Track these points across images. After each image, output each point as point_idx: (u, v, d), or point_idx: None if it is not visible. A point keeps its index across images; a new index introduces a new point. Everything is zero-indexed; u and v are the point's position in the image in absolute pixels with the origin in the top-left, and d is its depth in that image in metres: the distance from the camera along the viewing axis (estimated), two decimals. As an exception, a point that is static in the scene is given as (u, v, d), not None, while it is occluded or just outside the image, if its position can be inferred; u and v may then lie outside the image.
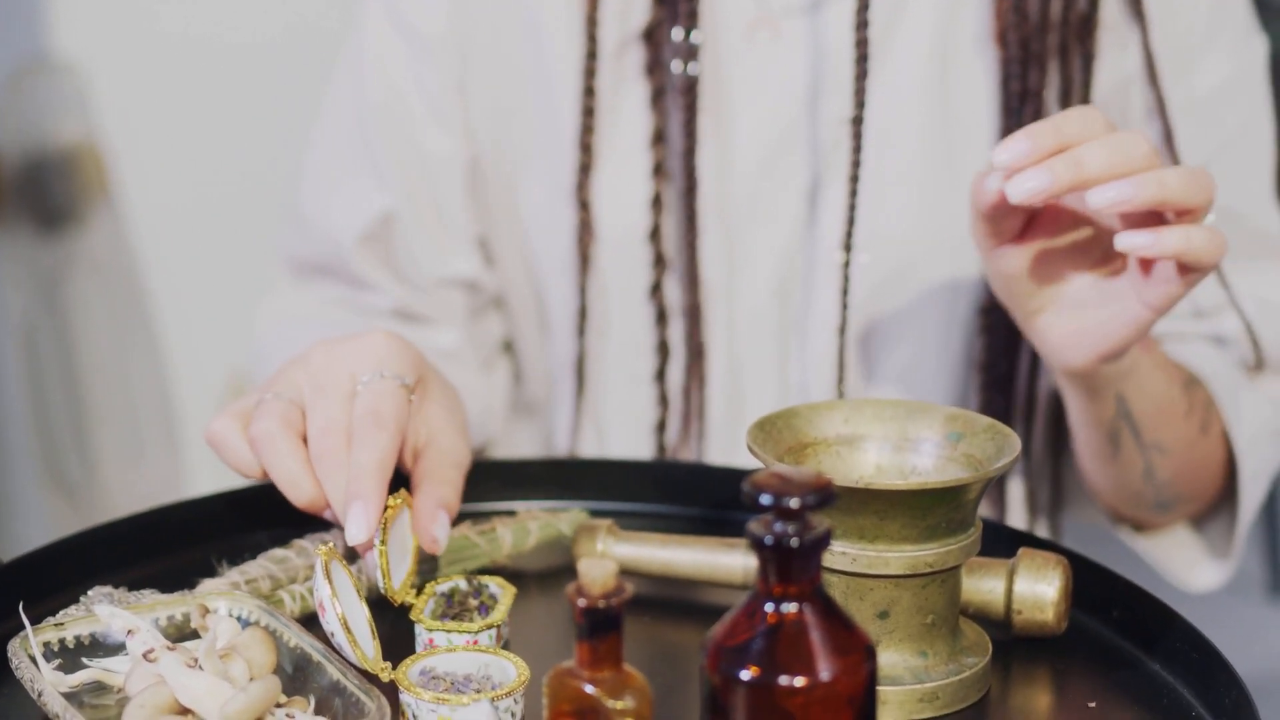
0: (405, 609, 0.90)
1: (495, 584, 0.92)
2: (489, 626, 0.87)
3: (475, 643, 0.87)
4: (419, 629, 0.88)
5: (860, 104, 1.09)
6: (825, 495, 0.70)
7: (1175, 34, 1.13)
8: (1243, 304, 1.15)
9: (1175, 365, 1.09)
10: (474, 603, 0.91)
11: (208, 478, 2.42)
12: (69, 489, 2.28)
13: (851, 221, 1.10)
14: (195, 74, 2.34)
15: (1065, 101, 1.11)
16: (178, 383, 2.39)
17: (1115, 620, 0.92)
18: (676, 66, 1.12)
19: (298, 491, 0.91)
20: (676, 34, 1.11)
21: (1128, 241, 0.88)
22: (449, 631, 0.87)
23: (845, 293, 1.11)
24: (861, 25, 1.09)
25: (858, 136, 1.09)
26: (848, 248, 1.11)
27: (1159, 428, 1.07)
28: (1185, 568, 1.19)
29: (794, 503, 0.70)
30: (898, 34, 1.13)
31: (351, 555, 0.93)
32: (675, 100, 1.13)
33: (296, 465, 0.91)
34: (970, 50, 1.12)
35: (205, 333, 2.37)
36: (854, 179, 1.10)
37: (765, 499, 0.70)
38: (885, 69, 1.12)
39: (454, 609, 0.90)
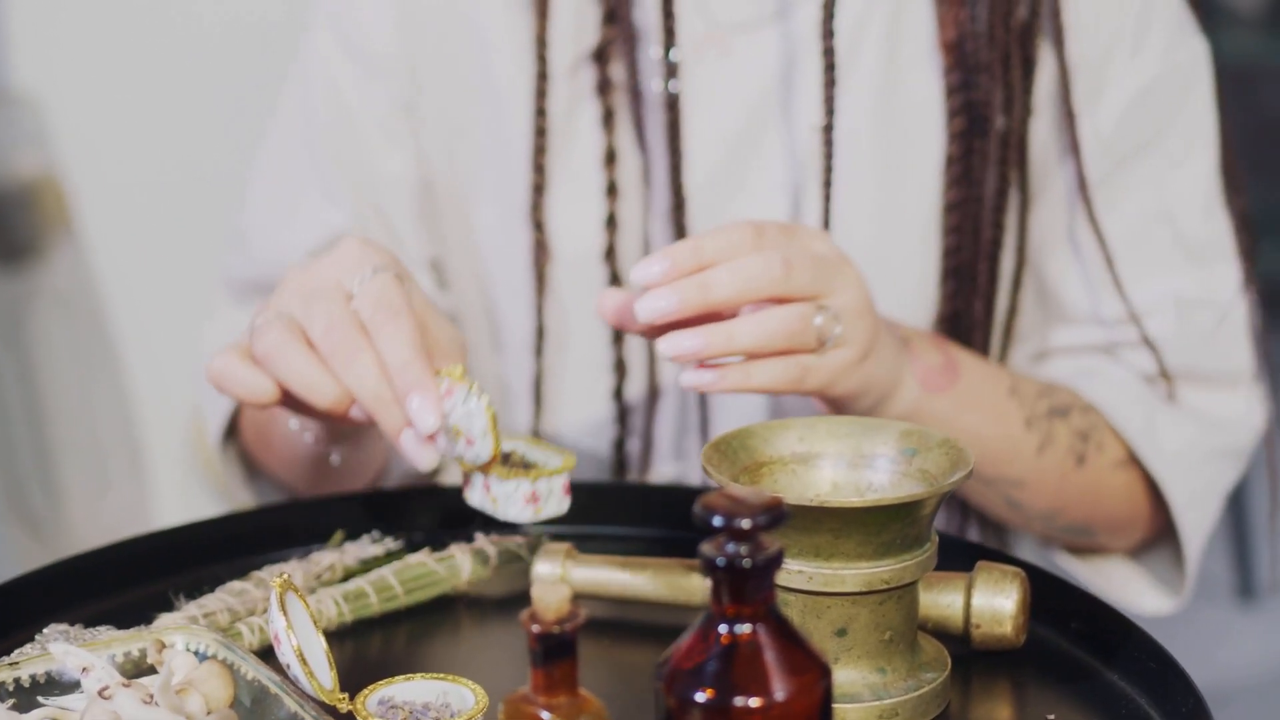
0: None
1: (554, 451, 0.95)
2: (545, 475, 0.90)
3: (534, 495, 0.90)
4: (475, 476, 0.91)
5: (830, 111, 1.09)
6: (776, 515, 0.70)
7: (1101, 40, 1.13)
8: (1162, 309, 1.14)
9: (1014, 401, 1.07)
10: (533, 458, 0.93)
11: (174, 508, 2.41)
12: (34, 522, 2.26)
13: (826, 226, 1.10)
14: (155, 106, 2.34)
15: (1008, 107, 1.12)
16: (142, 414, 2.38)
17: (1074, 632, 0.93)
18: (650, 84, 1.12)
19: (321, 392, 0.90)
20: (653, 52, 1.12)
21: (689, 380, 0.89)
22: (505, 478, 0.90)
23: None
24: (828, 35, 1.09)
25: (828, 144, 1.10)
26: None
27: (996, 465, 1.06)
28: (1128, 593, 1.18)
29: (745, 523, 0.70)
30: (849, 42, 1.13)
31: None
32: (626, 119, 1.13)
33: (313, 367, 0.90)
34: (916, 59, 1.13)
35: (169, 364, 2.37)
36: (827, 184, 1.10)
37: (716, 520, 0.70)
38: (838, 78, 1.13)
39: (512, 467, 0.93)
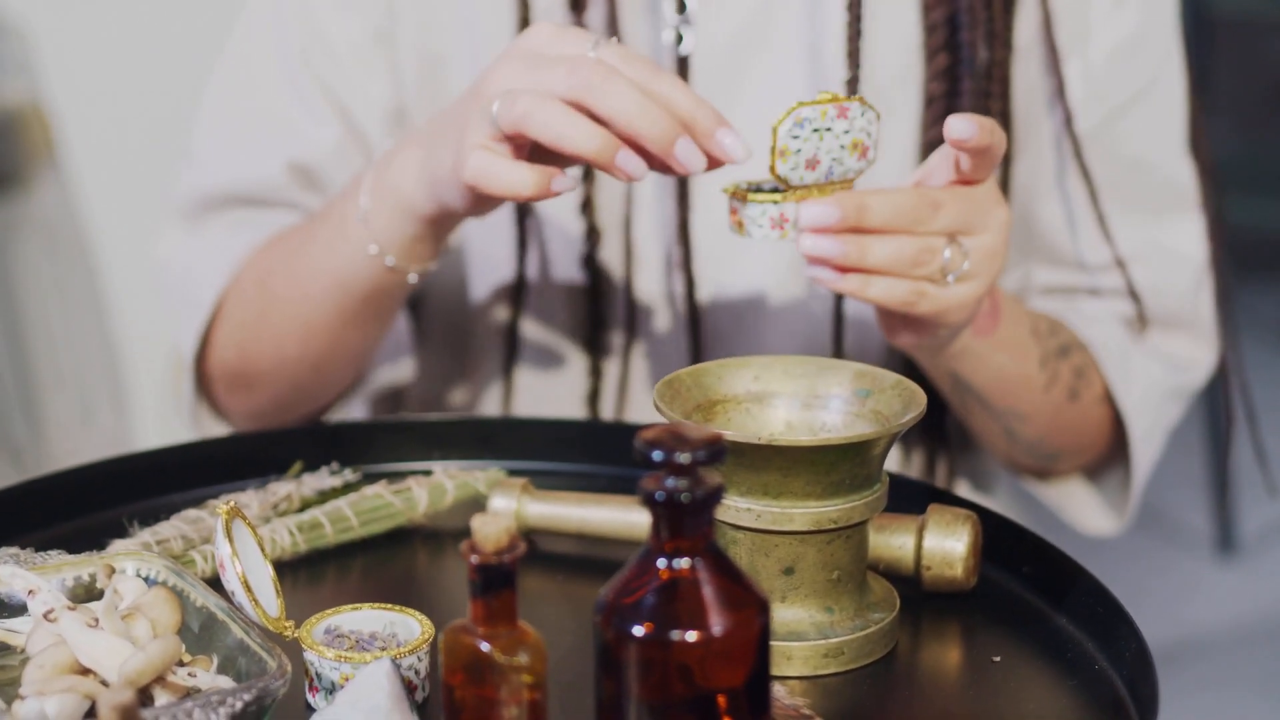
0: None
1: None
2: (793, 198, 0.92)
3: (783, 218, 0.92)
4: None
5: (856, 65, 1.10)
6: (716, 451, 0.70)
7: None
8: (1142, 256, 1.16)
9: (1034, 340, 1.10)
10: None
11: (155, 439, 2.41)
12: (15, 451, 2.27)
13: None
14: (141, 35, 2.33)
15: (990, 44, 1.11)
16: (124, 345, 2.38)
17: (1025, 576, 0.93)
18: (628, 30, 1.11)
19: (588, 138, 0.90)
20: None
21: (814, 271, 0.93)
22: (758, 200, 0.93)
23: None
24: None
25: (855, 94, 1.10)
26: None
27: (1008, 399, 1.10)
28: (1081, 514, 1.22)
29: (684, 458, 0.70)
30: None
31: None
32: None
33: (572, 114, 0.90)
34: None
35: (152, 295, 2.36)
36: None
37: (656, 455, 0.70)
38: (777, 10, 1.12)
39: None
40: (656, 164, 0.93)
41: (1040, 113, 1.15)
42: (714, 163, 0.93)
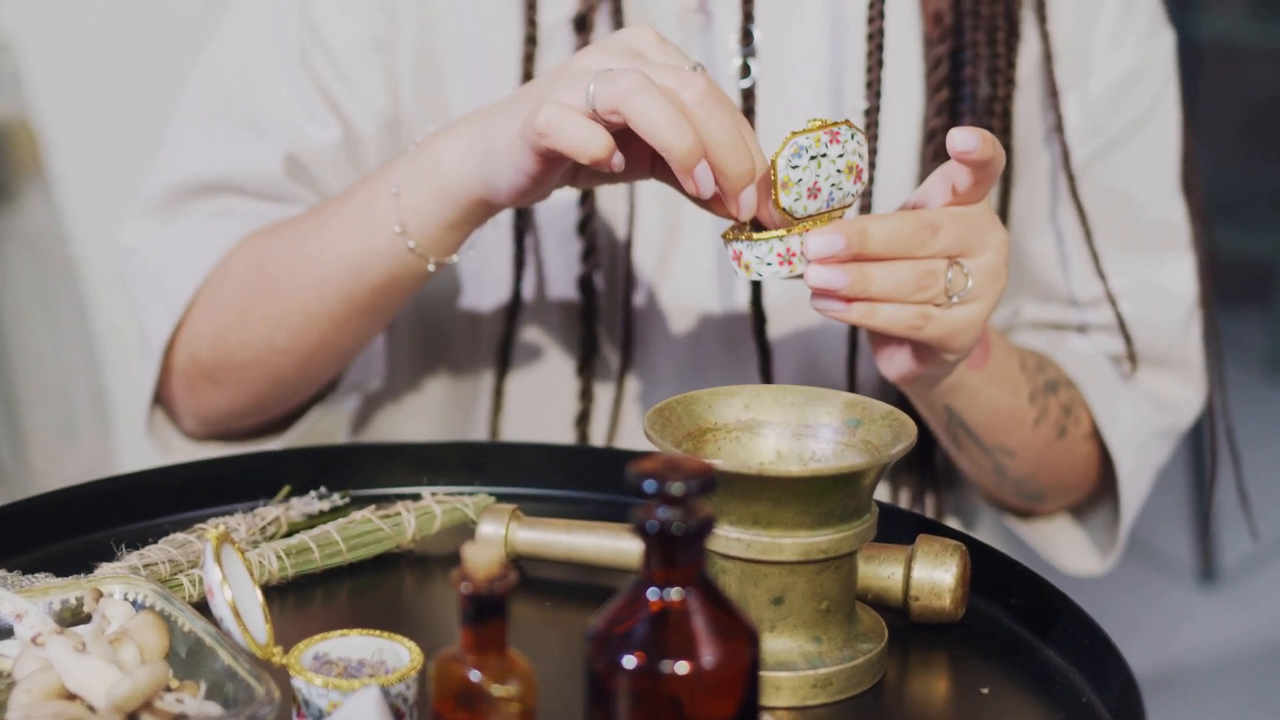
0: None
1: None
2: (798, 231, 0.91)
3: (789, 253, 0.91)
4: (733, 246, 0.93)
5: (877, 94, 1.11)
6: (707, 482, 0.70)
7: (1083, 22, 1.14)
8: (1132, 294, 1.16)
9: (1024, 375, 1.10)
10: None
11: (139, 457, 2.41)
12: (-2, 469, 2.26)
13: (869, 209, 1.12)
14: (130, 51, 2.33)
15: (992, 79, 1.12)
16: (109, 362, 2.37)
17: (1013, 607, 0.93)
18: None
19: (681, 136, 0.89)
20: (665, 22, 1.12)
21: (820, 303, 0.92)
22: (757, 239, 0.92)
23: None
24: (877, 16, 1.09)
25: (873, 126, 1.11)
26: None
27: (999, 434, 1.09)
28: (1066, 554, 1.21)
29: (677, 489, 0.70)
30: (805, 10, 1.13)
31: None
32: None
33: (673, 111, 0.88)
34: (897, 31, 1.13)
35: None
36: (869, 166, 1.11)
37: (648, 485, 0.70)
38: (798, 40, 1.12)
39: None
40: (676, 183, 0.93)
41: (1037, 146, 1.16)
42: (721, 205, 0.93)
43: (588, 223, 1.13)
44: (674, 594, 0.71)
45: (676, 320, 1.16)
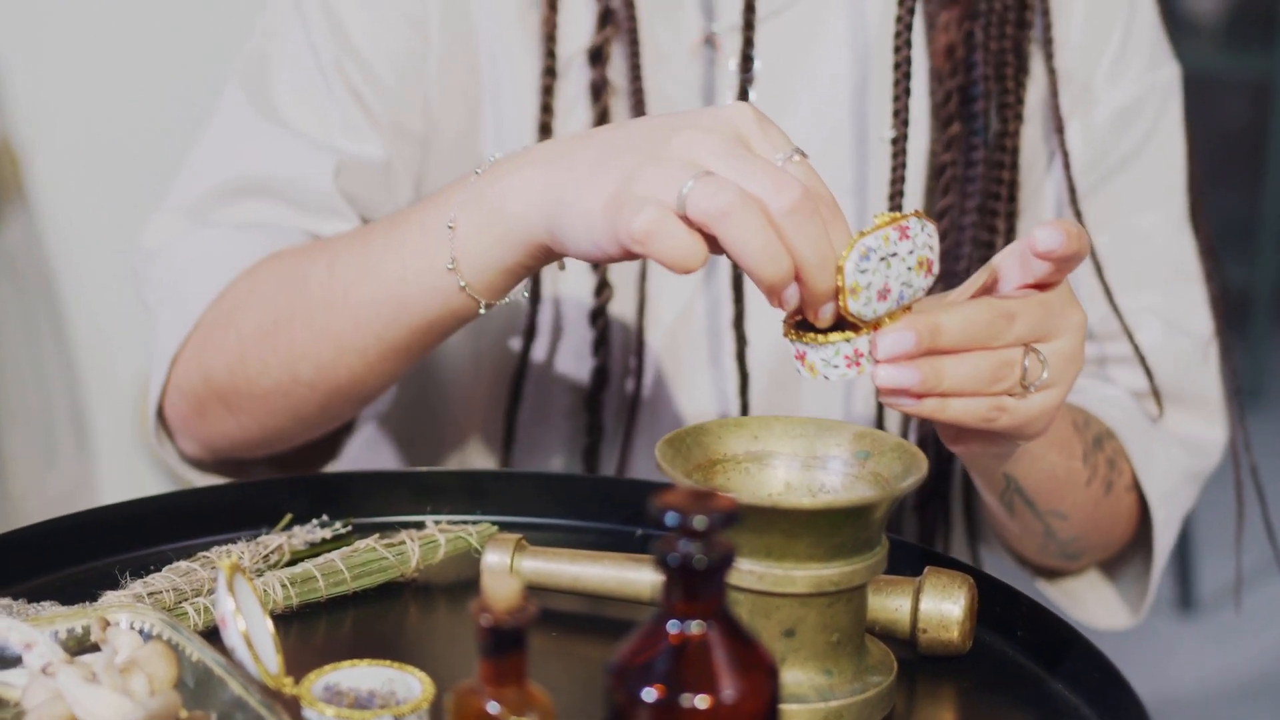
0: None
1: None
2: (867, 331, 0.86)
3: (857, 354, 0.86)
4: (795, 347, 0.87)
5: (905, 122, 1.10)
6: (730, 516, 0.70)
7: (1087, 59, 1.15)
8: (1145, 328, 1.16)
9: (1078, 435, 1.06)
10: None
11: (119, 482, 2.39)
12: (-23, 492, 2.25)
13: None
14: (111, 73, 2.32)
15: (1001, 115, 1.12)
16: (90, 386, 2.36)
17: (1020, 640, 0.93)
18: (651, 86, 1.11)
19: (774, 263, 0.83)
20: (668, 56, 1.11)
21: (889, 400, 0.87)
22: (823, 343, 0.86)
23: None
24: (903, 45, 1.09)
25: (900, 154, 1.10)
26: None
27: (1054, 499, 1.05)
28: (1096, 611, 1.18)
29: (699, 523, 0.70)
30: (821, 44, 1.13)
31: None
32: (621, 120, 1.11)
33: (770, 236, 0.83)
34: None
35: (119, 335, 2.35)
36: (898, 194, 1.11)
37: (671, 518, 0.70)
38: (812, 77, 1.13)
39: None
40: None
41: (1040, 177, 1.16)
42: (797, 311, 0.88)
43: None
44: (694, 627, 0.71)
45: (691, 350, 1.15)
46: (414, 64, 1.12)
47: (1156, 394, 1.16)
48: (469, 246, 0.94)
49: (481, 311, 0.96)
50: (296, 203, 1.11)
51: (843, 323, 0.87)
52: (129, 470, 2.40)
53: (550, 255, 0.93)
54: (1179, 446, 1.16)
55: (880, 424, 1.15)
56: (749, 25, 1.10)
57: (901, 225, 0.85)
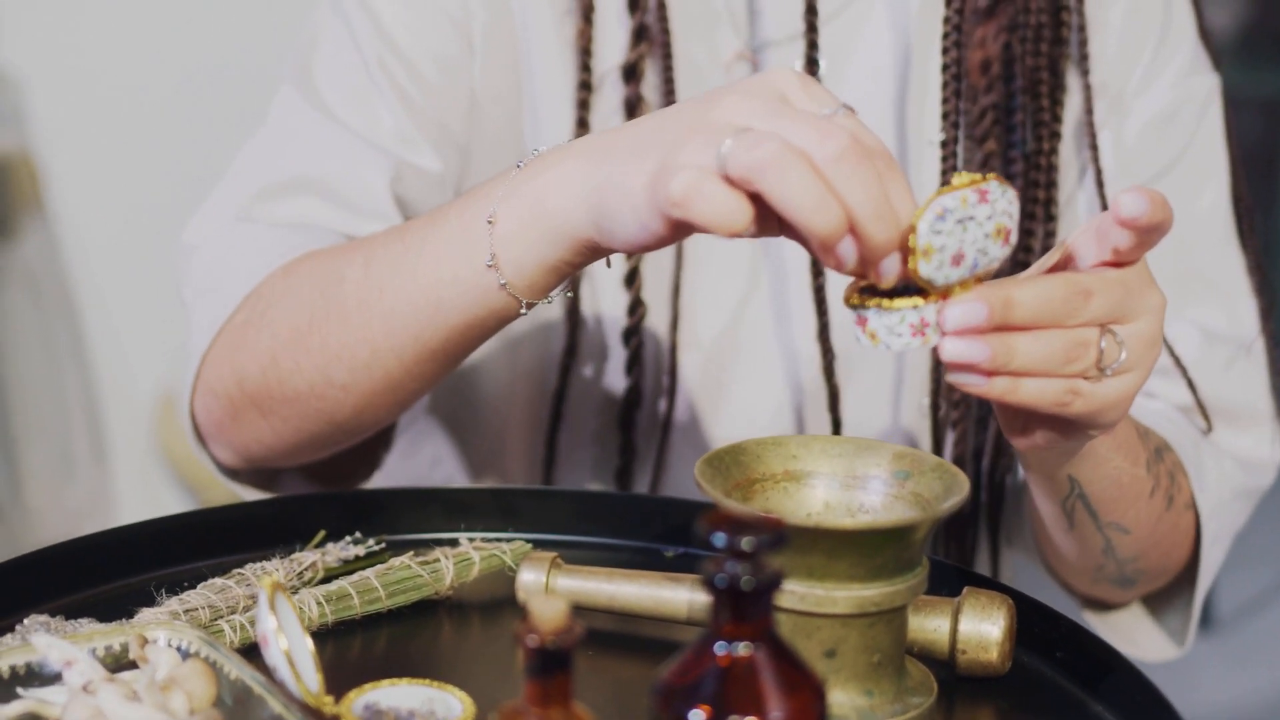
0: None
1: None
2: (934, 300, 0.81)
3: (923, 323, 0.81)
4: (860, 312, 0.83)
5: (955, 125, 1.09)
6: (778, 538, 0.69)
7: (1122, 69, 1.14)
8: (1184, 340, 1.14)
9: (1141, 442, 1.02)
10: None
11: (136, 495, 2.39)
12: (-5, 505, 2.25)
13: None
14: (130, 87, 2.32)
15: (1036, 132, 1.12)
16: (108, 399, 2.36)
17: (1059, 661, 0.93)
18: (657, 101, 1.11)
19: (824, 212, 0.78)
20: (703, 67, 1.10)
21: (959, 379, 0.83)
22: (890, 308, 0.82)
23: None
24: (952, 46, 1.09)
25: (949, 158, 1.10)
26: None
27: (1118, 509, 1.01)
28: (1143, 644, 1.16)
29: (747, 544, 0.69)
30: (855, 56, 1.13)
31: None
32: None
33: (817, 184, 0.78)
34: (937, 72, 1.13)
35: (137, 348, 2.35)
36: None
37: (718, 539, 0.69)
38: (850, 90, 1.13)
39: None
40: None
41: (1071, 188, 1.15)
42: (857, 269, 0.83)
43: (635, 275, 1.12)
44: (742, 648, 0.70)
45: (727, 369, 1.15)
46: (457, 64, 1.11)
47: (1202, 407, 1.14)
48: (509, 243, 0.90)
49: (523, 312, 0.93)
50: (347, 202, 1.09)
51: (909, 291, 0.82)
52: (146, 483, 2.40)
53: (597, 250, 0.89)
54: (1231, 461, 1.13)
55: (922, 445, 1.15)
56: (812, 30, 1.09)
57: (981, 188, 0.81)
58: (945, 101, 1.09)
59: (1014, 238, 0.83)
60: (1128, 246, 0.83)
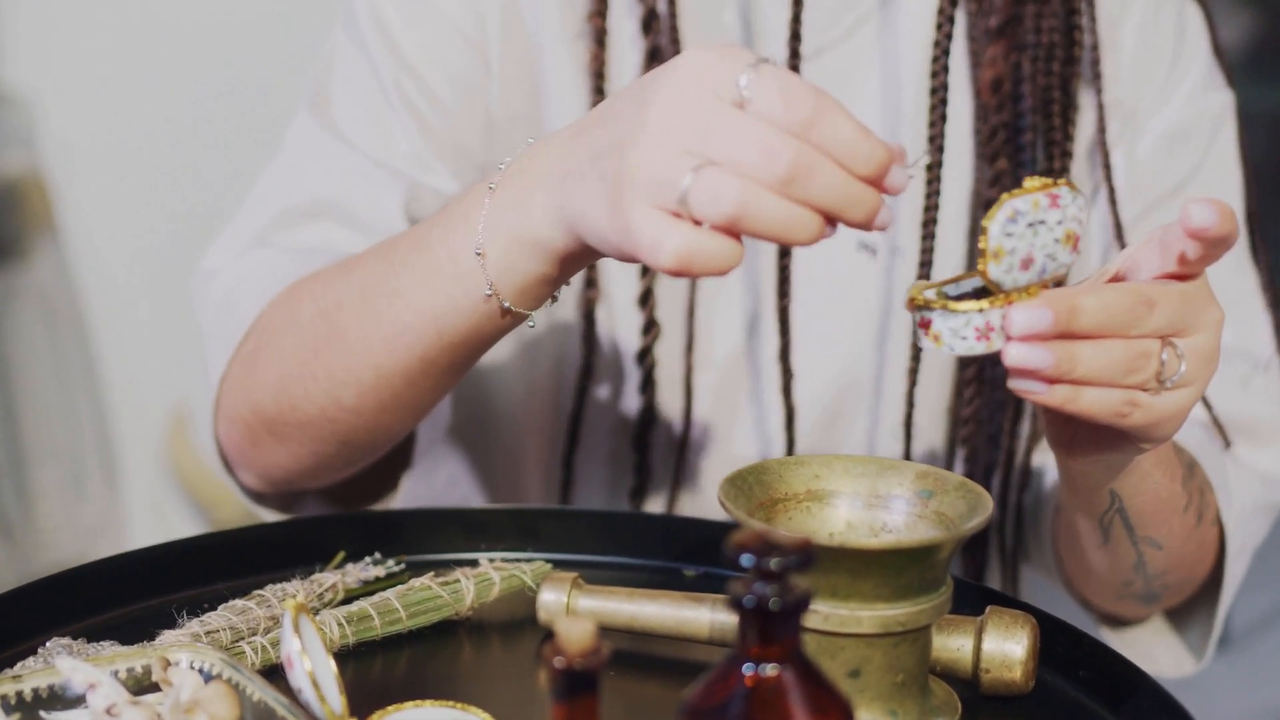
0: None
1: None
2: (1000, 304, 0.81)
3: (989, 327, 0.81)
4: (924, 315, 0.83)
5: (940, 149, 1.09)
6: (806, 558, 0.69)
7: (1135, 88, 1.14)
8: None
9: (1177, 457, 1.02)
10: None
11: (146, 515, 2.39)
12: (6, 526, 2.24)
13: (924, 266, 1.10)
14: (143, 108, 2.33)
15: (1048, 151, 1.12)
16: (119, 419, 2.36)
17: (1083, 680, 0.92)
18: None
19: (805, 229, 0.80)
20: None
21: (1019, 385, 0.83)
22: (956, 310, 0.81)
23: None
24: (940, 71, 1.09)
25: (935, 181, 1.10)
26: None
27: (1154, 524, 1.01)
28: (1162, 660, 1.16)
29: (775, 564, 0.69)
30: (857, 85, 1.13)
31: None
32: None
33: (786, 206, 0.79)
34: (950, 91, 1.13)
35: (148, 368, 2.35)
36: (931, 222, 1.10)
37: (746, 560, 0.69)
38: (848, 97, 1.13)
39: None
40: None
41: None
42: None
43: (648, 295, 1.12)
44: (769, 669, 0.70)
45: (741, 388, 1.15)
46: (473, 85, 1.12)
47: (1218, 423, 1.14)
48: (505, 273, 0.91)
49: (531, 325, 0.95)
50: (363, 226, 1.10)
51: (969, 296, 0.83)
52: (157, 504, 2.40)
53: (592, 254, 0.89)
54: (1252, 475, 1.13)
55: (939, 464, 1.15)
56: (794, 60, 1.09)
57: (1053, 193, 0.81)
58: (932, 125, 1.09)
59: (1081, 245, 0.83)
60: (1195, 257, 0.83)
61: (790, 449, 1.14)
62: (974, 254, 1.13)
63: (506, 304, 0.92)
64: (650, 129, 0.81)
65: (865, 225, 0.81)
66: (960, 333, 0.82)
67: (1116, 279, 0.85)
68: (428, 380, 0.99)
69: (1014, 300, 0.81)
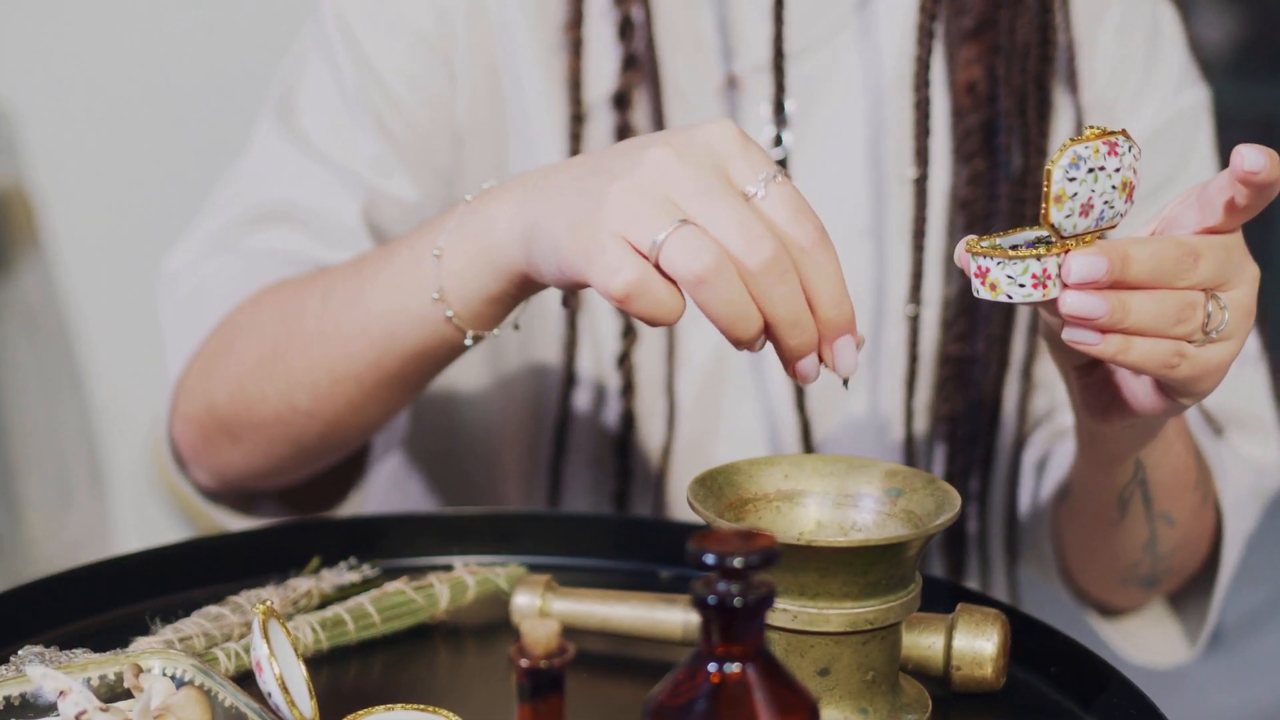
0: None
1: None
2: (1056, 251, 0.82)
3: (1045, 274, 0.82)
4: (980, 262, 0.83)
5: (925, 162, 1.10)
6: (769, 555, 0.70)
7: (1112, 87, 1.15)
8: None
9: (1189, 434, 1.03)
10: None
11: (133, 526, 2.39)
12: (-7, 537, 2.25)
13: (916, 282, 1.11)
14: (126, 120, 2.33)
15: (1024, 150, 1.12)
16: (105, 431, 2.36)
17: (1054, 676, 0.93)
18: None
19: (745, 325, 0.82)
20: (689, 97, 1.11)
21: (1073, 335, 0.84)
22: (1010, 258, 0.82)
23: (914, 344, 1.13)
24: (923, 84, 1.10)
25: (922, 194, 1.10)
26: (917, 301, 1.12)
27: (1170, 498, 1.02)
28: (1154, 648, 1.16)
29: (737, 562, 0.69)
30: (838, 87, 1.13)
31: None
32: None
33: (744, 298, 0.82)
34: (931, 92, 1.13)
35: (133, 380, 2.35)
36: (920, 233, 1.11)
37: (709, 558, 0.70)
38: (830, 119, 1.13)
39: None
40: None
41: None
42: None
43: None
44: (733, 667, 0.70)
45: (722, 392, 1.15)
46: (438, 93, 1.12)
47: (1208, 414, 1.14)
48: (455, 277, 0.93)
49: (468, 344, 0.95)
50: (318, 233, 1.11)
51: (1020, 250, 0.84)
52: (144, 514, 2.40)
53: (534, 285, 0.91)
54: (1242, 461, 1.14)
55: (910, 464, 1.15)
56: (779, 68, 1.10)
57: (1111, 140, 0.82)
58: (918, 138, 1.10)
59: (1135, 195, 0.84)
60: (1244, 203, 0.83)
61: (774, 448, 1.15)
62: (952, 252, 1.13)
63: (449, 313, 0.93)
64: (648, 170, 0.83)
65: (794, 357, 0.83)
66: (1018, 280, 0.83)
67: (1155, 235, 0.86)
68: (380, 390, 1.01)
69: (1070, 249, 0.82)
